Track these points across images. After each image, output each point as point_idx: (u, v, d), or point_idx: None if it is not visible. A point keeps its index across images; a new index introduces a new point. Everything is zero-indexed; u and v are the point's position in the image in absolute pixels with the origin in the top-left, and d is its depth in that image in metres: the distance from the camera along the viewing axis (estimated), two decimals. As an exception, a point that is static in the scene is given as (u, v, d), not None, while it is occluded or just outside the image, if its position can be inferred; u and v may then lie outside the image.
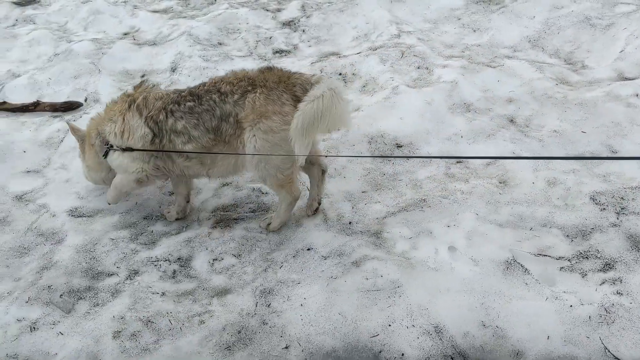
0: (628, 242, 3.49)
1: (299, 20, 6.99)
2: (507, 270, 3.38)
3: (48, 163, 4.84)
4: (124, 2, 8.12)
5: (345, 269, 3.44)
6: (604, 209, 3.76)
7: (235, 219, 4.07)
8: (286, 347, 3.08)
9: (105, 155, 3.92)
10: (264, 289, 3.45)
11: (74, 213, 4.28)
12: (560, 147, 4.45)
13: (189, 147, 3.68)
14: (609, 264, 3.35)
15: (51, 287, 3.55)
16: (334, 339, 3.10)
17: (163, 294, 3.48)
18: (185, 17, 7.44)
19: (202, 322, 3.27)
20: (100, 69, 6.07)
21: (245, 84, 3.57)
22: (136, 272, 3.68)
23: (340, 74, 5.76)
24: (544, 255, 3.47)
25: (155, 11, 7.76)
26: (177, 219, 4.15)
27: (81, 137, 4.20)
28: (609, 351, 2.88)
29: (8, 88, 5.89)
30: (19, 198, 4.47)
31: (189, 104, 3.66)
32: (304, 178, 4.05)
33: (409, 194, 4.12)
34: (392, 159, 4.47)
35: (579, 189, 3.95)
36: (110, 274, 3.68)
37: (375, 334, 3.10)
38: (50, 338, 3.23)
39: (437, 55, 5.83)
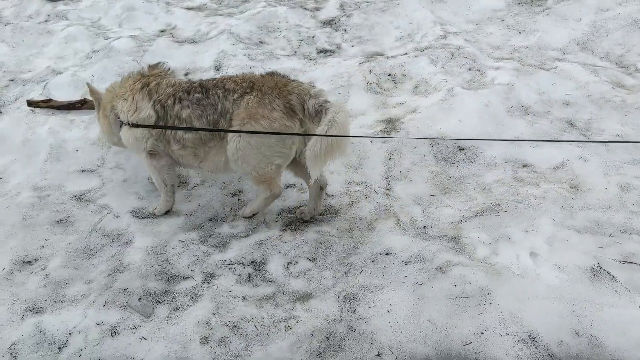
0: None
1: (339, 20, 6.93)
2: (595, 277, 3.33)
3: (102, 162, 4.77)
4: (156, -2, 8.05)
5: (430, 275, 3.39)
6: (684, 215, 3.72)
7: (305, 222, 4.01)
8: (378, 355, 3.03)
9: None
10: (347, 294, 3.39)
11: (138, 214, 4.21)
12: (626, 152, 4.41)
13: (188, 136, 3.87)
14: (699, 272, 3.31)
15: (127, 291, 3.49)
16: (426, 346, 3.05)
17: (244, 298, 3.42)
18: (221, 14, 7.36)
19: (288, 327, 3.21)
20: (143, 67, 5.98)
21: (246, 86, 3.73)
22: (212, 276, 3.61)
23: (389, 75, 5.70)
24: (630, 262, 3.42)
25: (189, 8, 7.68)
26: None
27: (98, 101, 4.34)
28: None
29: (52, 85, 5.81)
30: (79, 198, 4.40)
31: (197, 95, 3.82)
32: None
33: (480, 198, 4.07)
34: (456, 162, 4.42)
35: (654, 195, 3.92)
36: (186, 277, 3.61)
37: (468, 342, 3.05)
38: (133, 343, 3.16)
39: (487, 56, 5.78)
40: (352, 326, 3.20)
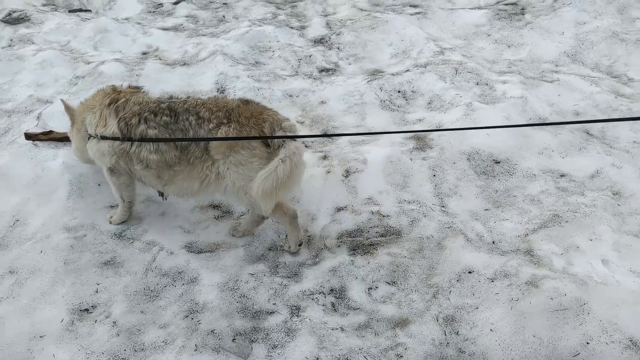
0: None
1: (329, 38, 6.92)
2: (670, 280, 3.50)
3: (131, 196, 4.47)
4: (126, 19, 7.71)
5: (522, 290, 3.43)
6: None
7: (372, 245, 3.95)
8: (497, 375, 3.03)
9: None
10: (446, 316, 3.37)
11: (192, 249, 3.99)
12: (648, 157, 4.69)
13: (153, 157, 3.77)
14: None
15: (215, 332, 3.29)
16: (539, 361, 3.08)
17: (342, 329, 3.32)
18: (204, 35, 7.14)
19: (399, 356, 3.15)
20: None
21: (222, 116, 3.66)
22: (298, 308, 3.48)
23: (399, 92, 5.75)
24: (695, 263, 3.63)
25: (165, 29, 7.39)
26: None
27: (72, 116, 4.31)
28: None
29: (46, 115, 5.39)
30: (119, 236, 4.10)
31: (165, 118, 3.75)
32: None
33: (535, 210, 4.18)
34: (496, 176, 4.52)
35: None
36: (271, 312, 3.46)
37: (577, 353, 3.11)
38: (241, 388, 2.98)
39: (488, 71, 5.97)
40: (460, 348, 3.19)
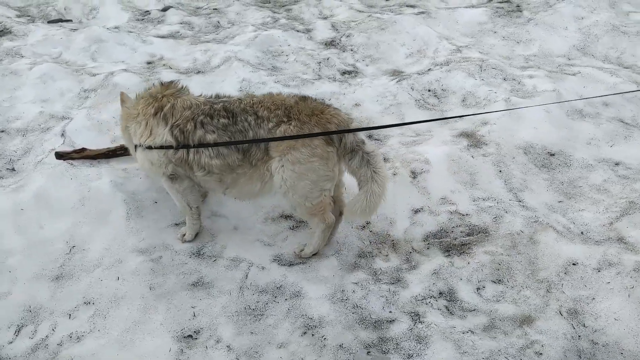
0: None
1: (340, 40, 6.83)
2: None
3: (193, 212, 4.22)
4: (116, 28, 7.32)
5: (633, 277, 3.47)
6: None
7: (463, 245, 3.91)
8: (638, 363, 3.05)
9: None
10: (568, 310, 3.37)
11: (282, 262, 3.80)
12: (687, 141, 4.89)
13: (215, 162, 3.60)
14: None
15: (344, 346, 3.14)
16: (671, 346, 3.13)
17: (471, 331, 3.24)
18: (207, 41, 6.89)
19: (538, 353, 3.11)
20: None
21: (282, 114, 3.53)
22: (417, 314, 3.38)
23: (429, 90, 5.74)
24: None
25: (161, 37, 7.08)
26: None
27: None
28: None
29: (70, 132, 5.02)
30: (198, 254, 3.85)
31: (222, 120, 3.56)
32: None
33: (607, 199, 4.26)
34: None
35: None
36: (391, 320, 3.34)
37: (702, 334, 3.18)
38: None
39: (509, 66, 6.06)
40: (592, 340, 3.19)
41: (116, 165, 4.66)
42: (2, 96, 5.81)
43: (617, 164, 4.67)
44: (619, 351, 3.11)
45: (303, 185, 3.51)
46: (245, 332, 3.31)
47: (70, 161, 4.66)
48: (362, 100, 5.58)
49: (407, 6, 7.81)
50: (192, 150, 3.60)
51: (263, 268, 3.72)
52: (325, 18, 7.60)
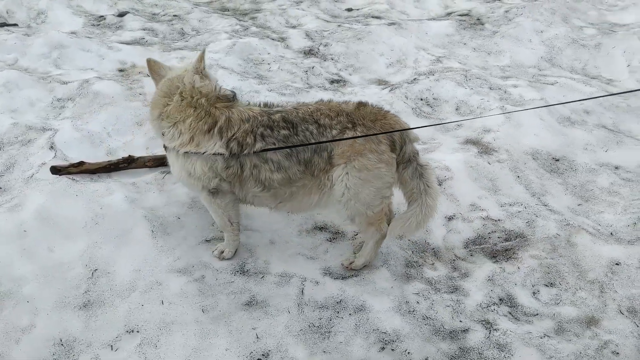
0: None
1: (318, 49, 6.73)
2: None
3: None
4: (73, 33, 6.78)
5: (675, 273, 3.65)
6: None
7: (507, 250, 3.93)
8: None
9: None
10: (628, 308, 3.46)
11: (334, 275, 3.64)
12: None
13: (276, 176, 3.44)
14: None
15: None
16: None
17: (547, 336, 3.25)
18: (180, 48, 6.55)
19: (615, 353, 3.17)
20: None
21: (345, 120, 3.46)
22: (488, 322, 3.34)
23: (421, 99, 5.79)
24: None
25: (127, 43, 6.65)
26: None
27: (158, 80, 3.64)
28: None
29: (60, 144, 4.56)
30: (242, 272, 3.60)
31: (283, 132, 3.41)
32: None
33: (621, 201, 4.46)
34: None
35: None
36: (465, 330, 3.28)
37: None
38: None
39: (490, 76, 6.25)
40: (657, 336, 3.30)
41: (122, 180, 4.29)
42: (-39, 106, 5.19)
43: (617, 167, 4.91)
44: (683, 345, 3.24)
45: (367, 193, 3.40)
46: (318, 351, 3.13)
47: (70, 176, 4.23)
48: (359, 109, 5.51)
49: (372, 17, 7.86)
50: (248, 165, 3.39)
51: (317, 283, 3.54)
52: (294, 27, 7.48)
